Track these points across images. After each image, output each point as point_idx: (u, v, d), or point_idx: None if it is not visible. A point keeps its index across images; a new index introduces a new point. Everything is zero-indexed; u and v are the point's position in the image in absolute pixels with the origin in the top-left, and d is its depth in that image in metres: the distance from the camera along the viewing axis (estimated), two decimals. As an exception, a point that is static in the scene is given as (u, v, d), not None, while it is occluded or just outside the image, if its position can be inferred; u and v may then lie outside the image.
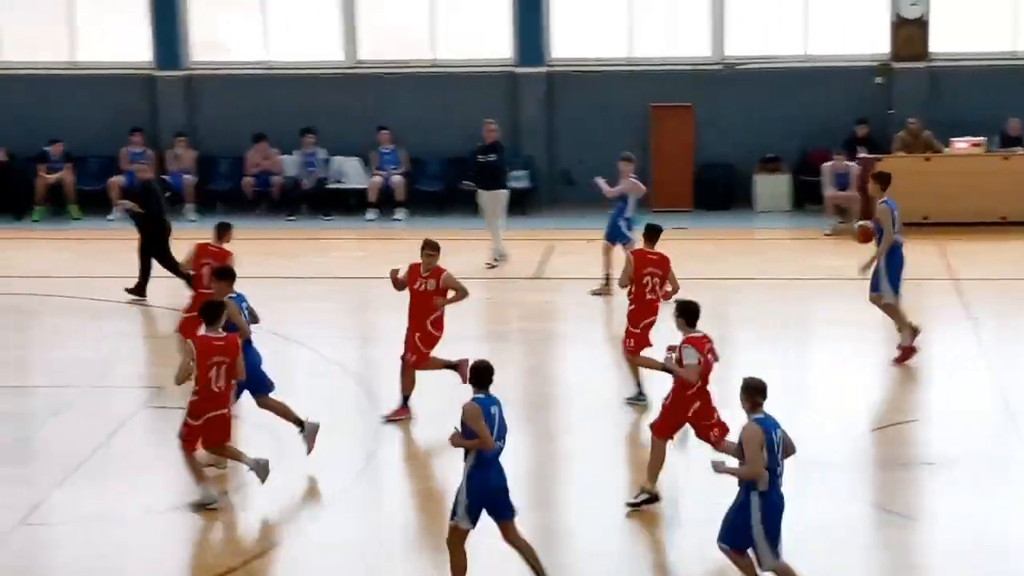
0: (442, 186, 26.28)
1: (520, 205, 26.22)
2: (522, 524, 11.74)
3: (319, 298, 21.19)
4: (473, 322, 19.85)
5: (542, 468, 15.18)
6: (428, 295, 15.41)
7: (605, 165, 26.26)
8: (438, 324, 15.55)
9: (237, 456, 13.74)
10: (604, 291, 20.45)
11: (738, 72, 26.50)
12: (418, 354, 15.53)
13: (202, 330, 13.46)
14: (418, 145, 26.18)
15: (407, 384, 15.71)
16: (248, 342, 14.22)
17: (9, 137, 26.34)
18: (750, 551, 11.27)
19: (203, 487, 13.50)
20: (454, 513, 11.56)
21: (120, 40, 27.24)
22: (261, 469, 13.67)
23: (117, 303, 20.40)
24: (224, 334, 13.39)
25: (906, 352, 17.45)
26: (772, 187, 26.35)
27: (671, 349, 13.30)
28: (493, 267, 22.25)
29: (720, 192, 26.55)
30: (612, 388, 17.04)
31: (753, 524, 11.15)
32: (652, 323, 15.82)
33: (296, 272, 22.37)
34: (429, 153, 26.40)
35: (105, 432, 15.15)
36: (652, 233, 15.93)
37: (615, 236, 20.52)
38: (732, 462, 11.46)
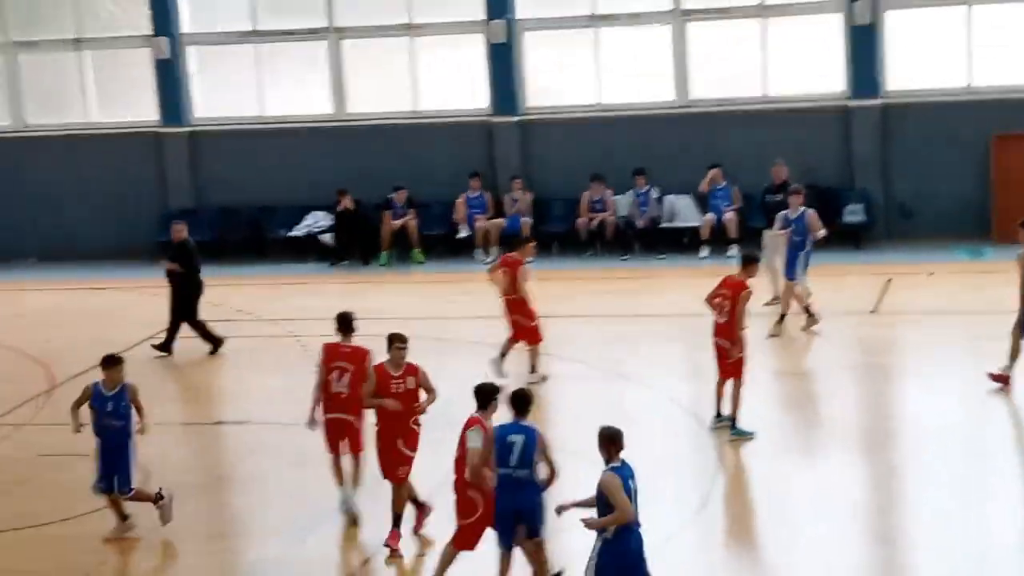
0: (774, 222, 26.08)
1: (855, 239, 25.90)
2: (863, 559, 11.62)
3: (656, 336, 21.32)
4: (809, 357, 19.71)
5: (884, 502, 14.96)
6: (409, 395, 13.99)
7: (944, 197, 25.85)
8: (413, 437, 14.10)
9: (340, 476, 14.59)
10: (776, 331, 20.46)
11: (1084, 97, 25.57)
12: (406, 462, 14.10)
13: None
14: (751, 183, 26.12)
15: (401, 503, 14.11)
16: None
17: (357, 185, 27.37)
18: None
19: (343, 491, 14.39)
20: None
21: (459, 89, 28.01)
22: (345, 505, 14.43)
23: (459, 342, 20.99)
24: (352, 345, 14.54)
25: None
26: (1123, 216, 25.27)
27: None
28: (769, 305, 21.98)
29: (1066, 221, 25.56)
30: (952, 424, 16.73)
31: (598, 568, 11.02)
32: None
33: (632, 311, 22.56)
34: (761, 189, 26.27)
35: (443, 469, 15.53)
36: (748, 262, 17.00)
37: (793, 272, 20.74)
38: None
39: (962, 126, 25.79)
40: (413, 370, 13.89)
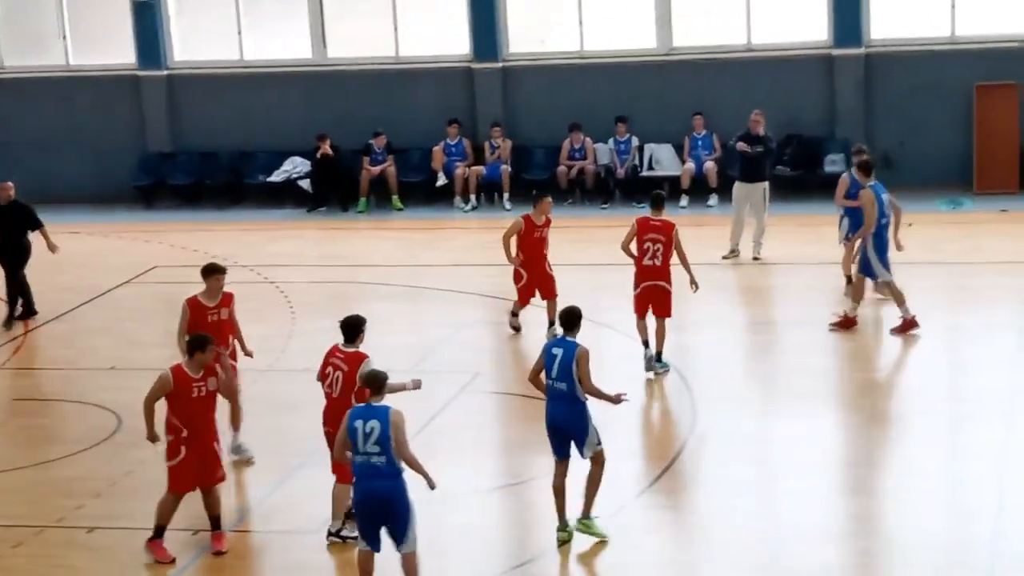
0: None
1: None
2: (839, 510, 11.57)
3: (628, 285, 21.27)
4: (788, 308, 19.71)
5: (861, 456, 14.98)
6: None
7: (927, 147, 25.80)
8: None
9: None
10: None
11: (1067, 48, 25.49)
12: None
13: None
14: (732, 131, 25.99)
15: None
16: None
17: (335, 131, 27.21)
18: None
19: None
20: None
21: (440, 34, 27.83)
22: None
23: (438, 290, 20.94)
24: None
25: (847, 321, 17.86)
26: (1103, 167, 25.26)
27: None
28: (727, 258, 21.92)
29: (1048, 173, 25.56)
30: (932, 374, 16.76)
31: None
32: (649, 287, 16.85)
33: (610, 260, 22.48)
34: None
35: (428, 414, 15.55)
36: (657, 201, 17.19)
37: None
38: None
39: (945, 76, 25.70)
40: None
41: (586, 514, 12.88)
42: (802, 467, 14.30)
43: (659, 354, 16.98)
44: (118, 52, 28.61)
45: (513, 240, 18.51)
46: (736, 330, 19.36)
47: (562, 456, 12.86)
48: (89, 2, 28.90)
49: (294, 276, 22.34)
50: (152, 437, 13.06)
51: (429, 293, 20.94)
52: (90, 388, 17.33)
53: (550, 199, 18.70)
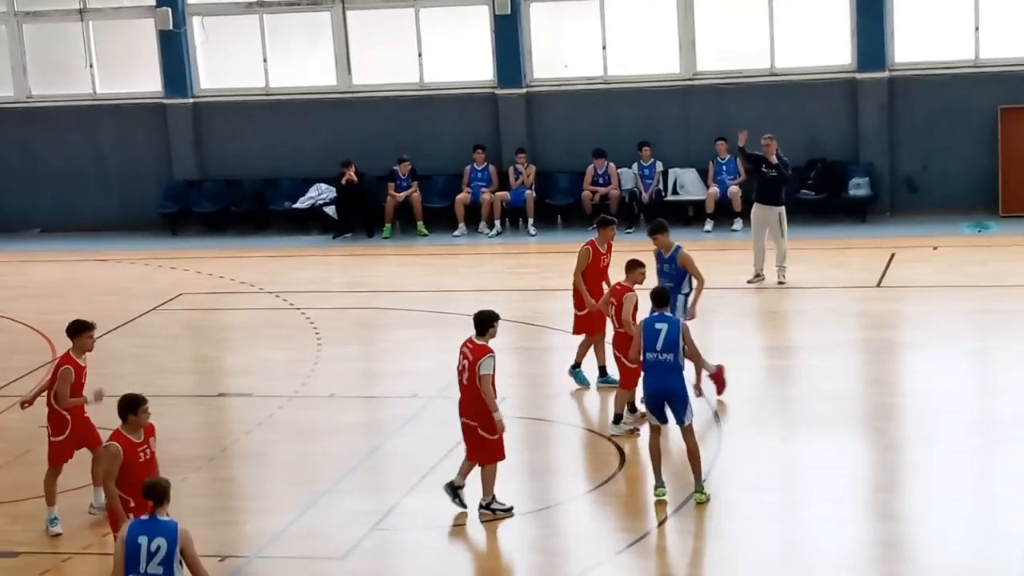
0: (781, 195, 26.02)
1: (861, 213, 25.84)
2: (866, 535, 11.54)
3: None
4: (812, 332, 19.68)
5: (886, 481, 14.95)
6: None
7: (952, 170, 25.76)
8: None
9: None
10: None
11: (1091, 70, 25.45)
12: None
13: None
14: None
15: None
16: None
17: (360, 157, 27.30)
18: None
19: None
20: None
21: (464, 61, 27.89)
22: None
23: (463, 316, 20.94)
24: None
25: None
26: None
27: None
28: (752, 283, 21.87)
29: (1073, 196, 25.50)
30: (958, 398, 16.70)
31: None
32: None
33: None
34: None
35: (452, 441, 15.56)
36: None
37: None
38: None
39: (969, 99, 25.68)
40: (152, 431, 12.59)
41: (699, 485, 14.05)
42: (828, 492, 14.26)
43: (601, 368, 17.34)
44: (144, 80, 28.78)
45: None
46: (760, 355, 19.35)
47: (663, 421, 14.13)
48: (116, 31, 29.09)
49: (319, 302, 22.41)
50: (123, 516, 11.98)
51: (454, 319, 20.96)
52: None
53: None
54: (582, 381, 17.46)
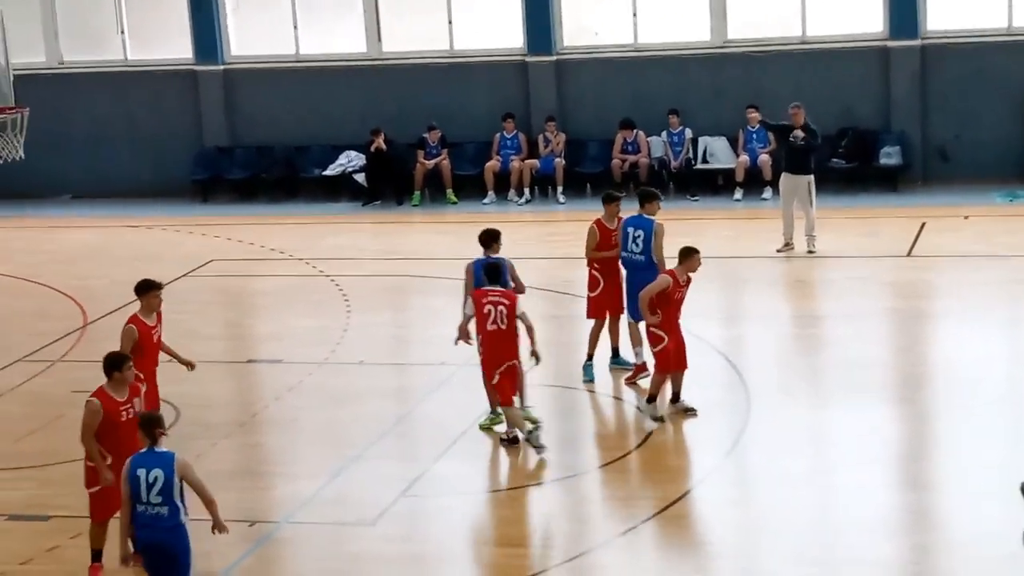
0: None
1: (892, 182, 25.74)
2: (895, 504, 11.46)
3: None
4: (842, 301, 19.64)
5: (915, 449, 14.94)
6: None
7: (984, 139, 25.63)
8: None
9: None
10: None
11: (1126, 38, 25.26)
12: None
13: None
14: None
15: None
16: None
17: (390, 125, 27.31)
18: None
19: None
20: None
21: (494, 28, 27.84)
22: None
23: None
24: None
25: None
26: None
27: None
28: (781, 251, 21.76)
29: (1103, 166, 25.35)
30: (988, 367, 16.66)
31: None
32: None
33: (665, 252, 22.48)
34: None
35: (480, 408, 15.61)
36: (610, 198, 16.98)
37: None
38: None
39: (1002, 68, 25.54)
40: (137, 390, 12.52)
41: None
42: (857, 460, 14.26)
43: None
44: (175, 47, 28.82)
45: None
46: (789, 323, 19.33)
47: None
48: (147, -2, 29.14)
49: (349, 269, 22.46)
50: (105, 472, 12.18)
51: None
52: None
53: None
54: (590, 376, 16.82)
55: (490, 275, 15.03)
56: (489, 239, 15.71)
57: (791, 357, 17.96)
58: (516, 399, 14.98)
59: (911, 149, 25.96)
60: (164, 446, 11.20)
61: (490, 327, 14.74)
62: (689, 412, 15.50)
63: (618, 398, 16.47)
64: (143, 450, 11.12)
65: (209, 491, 11.23)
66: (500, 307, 14.72)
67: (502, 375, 14.81)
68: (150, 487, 11.00)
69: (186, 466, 11.10)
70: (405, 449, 15.45)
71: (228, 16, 28.61)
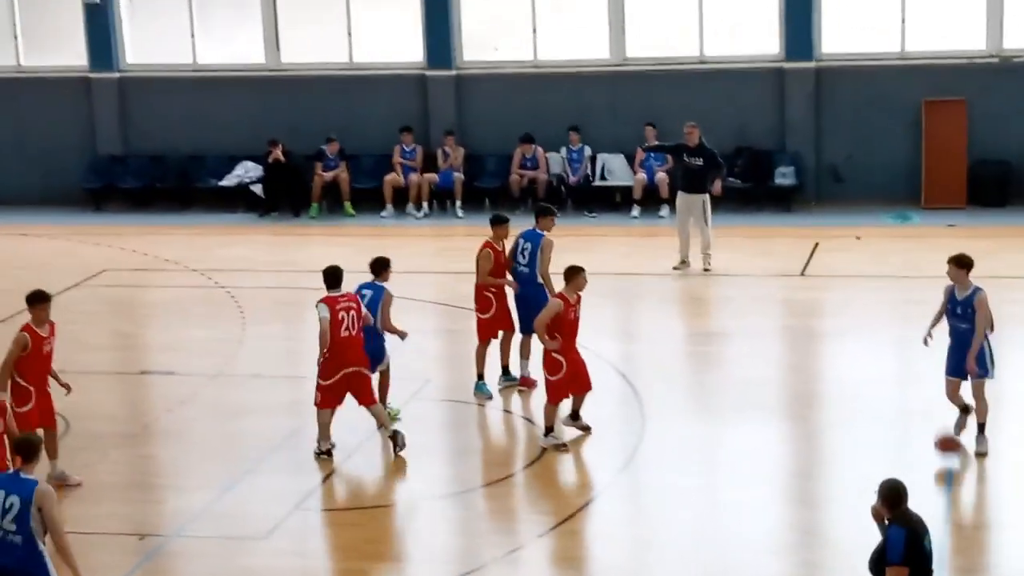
0: (708, 183, 26.15)
1: (786, 201, 26.03)
2: (784, 521, 11.66)
3: (585, 293, 21.33)
4: (736, 319, 19.82)
5: (805, 466, 15.10)
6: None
7: (876, 161, 26.00)
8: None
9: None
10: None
11: (1015, 64, 25.73)
12: None
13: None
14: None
15: None
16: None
17: (288, 136, 27.17)
18: None
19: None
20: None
21: (394, 41, 27.80)
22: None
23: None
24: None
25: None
26: (1051, 183, 25.53)
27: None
28: (677, 269, 21.98)
29: (995, 189, 25.79)
30: (878, 386, 16.88)
31: None
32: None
33: (561, 269, 22.56)
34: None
35: (372, 423, 15.54)
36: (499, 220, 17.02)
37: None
38: None
39: (894, 91, 25.92)
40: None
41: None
42: (749, 477, 14.39)
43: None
44: (70, 53, 28.48)
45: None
46: (684, 340, 19.47)
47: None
48: (41, 3, 28.74)
49: (245, 281, 22.31)
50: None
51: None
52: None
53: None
54: (486, 393, 16.75)
55: (329, 281, 15.14)
56: (379, 267, 15.79)
57: (685, 374, 18.10)
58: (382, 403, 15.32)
59: (805, 169, 26.28)
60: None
61: (343, 333, 14.78)
62: (584, 431, 15.53)
63: (507, 411, 16.49)
64: (8, 471, 10.70)
65: (65, 537, 10.50)
66: (351, 312, 14.88)
67: (348, 378, 14.89)
68: (5, 512, 10.38)
69: (46, 496, 10.41)
70: (298, 462, 15.35)
71: (124, 23, 28.32)
